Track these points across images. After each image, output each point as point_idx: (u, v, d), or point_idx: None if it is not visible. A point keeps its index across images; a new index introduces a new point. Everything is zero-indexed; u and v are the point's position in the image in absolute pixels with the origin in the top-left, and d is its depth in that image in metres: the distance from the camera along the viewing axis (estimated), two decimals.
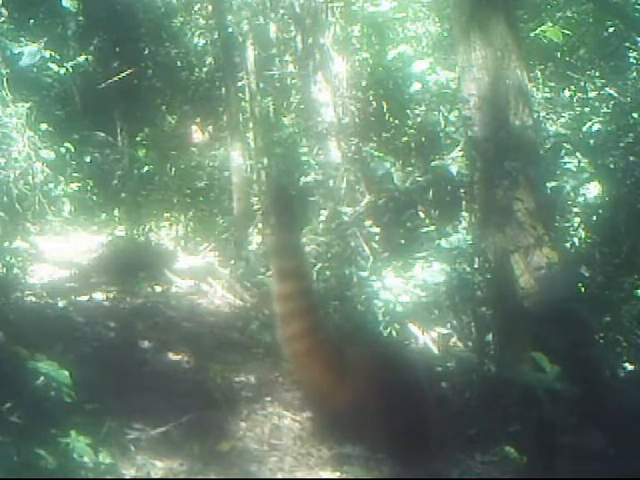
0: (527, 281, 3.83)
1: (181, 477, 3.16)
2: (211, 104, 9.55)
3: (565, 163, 5.06)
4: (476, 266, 4.48)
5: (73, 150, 7.34)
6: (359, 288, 5.12)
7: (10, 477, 2.51)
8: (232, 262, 7.03)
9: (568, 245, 4.68)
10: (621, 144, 4.97)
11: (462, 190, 5.14)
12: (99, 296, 5.61)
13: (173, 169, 9.38)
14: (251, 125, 8.35)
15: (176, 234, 8.85)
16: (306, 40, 6.73)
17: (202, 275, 6.47)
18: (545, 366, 2.94)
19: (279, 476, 3.29)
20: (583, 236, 4.90)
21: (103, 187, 9.14)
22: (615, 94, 5.73)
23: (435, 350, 4.77)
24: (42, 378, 2.93)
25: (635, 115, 5.28)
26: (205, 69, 9.87)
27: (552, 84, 6.55)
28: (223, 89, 8.28)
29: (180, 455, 3.30)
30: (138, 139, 9.58)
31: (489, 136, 3.99)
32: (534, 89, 5.81)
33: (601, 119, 5.49)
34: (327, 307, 5.19)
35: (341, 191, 6.09)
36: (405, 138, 6.55)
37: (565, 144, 5.15)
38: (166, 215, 9.20)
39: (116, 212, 9.09)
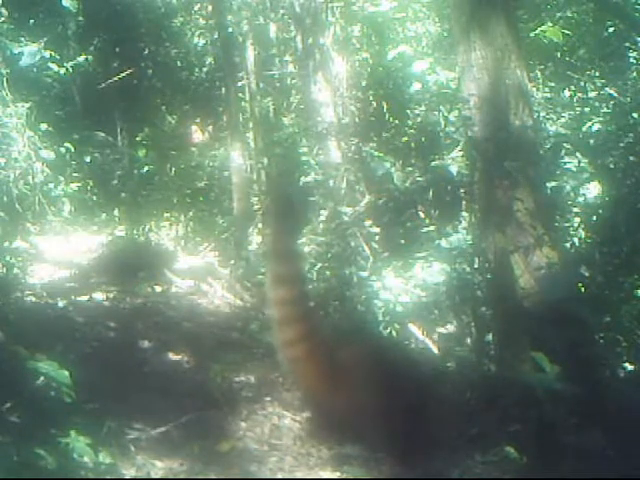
0: (527, 281, 3.83)
1: (181, 477, 3.16)
2: (211, 104, 9.55)
3: (565, 163, 5.07)
4: (476, 266, 4.48)
5: (73, 150, 7.34)
6: (359, 288, 5.12)
7: (10, 477, 2.51)
8: (232, 262, 7.03)
9: (568, 245, 4.68)
10: (621, 144, 4.97)
11: (462, 190, 5.14)
12: (99, 296, 5.61)
13: (173, 169, 9.38)
14: (251, 125, 8.35)
15: (176, 234, 8.84)
16: (306, 40, 6.73)
17: (202, 275, 6.47)
18: (545, 366, 2.94)
19: (279, 476, 3.29)
20: (583, 236, 4.90)
21: (103, 187, 9.14)
22: (615, 94, 5.73)
23: (435, 350, 4.77)
24: (42, 378, 2.93)
25: (635, 115, 5.29)
26: (205, 69, 9.86)
27: (552, 84, 6.55)
28: (223, 89, 8.28)
29: (180, 455, 3.30)
30: (138, 139, 9.57)
31: (489, 136, 3.99)
32: (534, 89, 5.81)
33: (601, 119, 5.49)
34: (327, 307, 5.19)
35: (341, 191, 6.09)
36: (405, 138, 6.55)
37: (565, 144, 5.15)
38: (166, 215, 9.19)
39: (116, 212, 9.09)
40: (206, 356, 4.55)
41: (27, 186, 5.82)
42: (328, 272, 5.56)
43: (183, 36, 9.73)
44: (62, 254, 6.62)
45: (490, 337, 4.26)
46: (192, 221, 9.09)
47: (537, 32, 6.17)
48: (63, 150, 6.91)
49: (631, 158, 4.85)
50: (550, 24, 6.26)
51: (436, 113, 5.99)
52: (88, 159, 8.95)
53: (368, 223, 5.71)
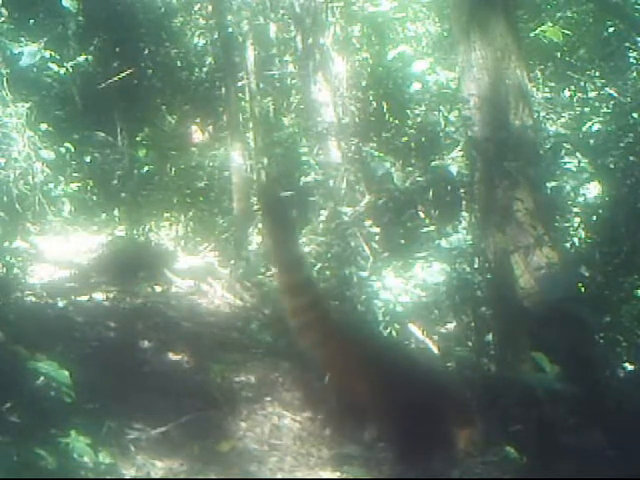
0: (527, 281, 3.83)
1: (181, 477, 3.16)
2: (211, 104, 9.55)
3: (565, 163, 5.06)
4: (476, 266, 4.48)
5: (73, 150, 7.33)
6: (359, 288, 5.12)
7: (10, 477, 2.51)
8: (232, 262, 7.03)
9: (568, 245, 4.68)
10: (621, 144, 4.97)
11: (462, 190, 5.14)
12: (99, 296, 5.61)
13: (173, 169, 9.38)
14: (251, 125, 8.35)
15: (176, 234, 8.84)
16: (306, 40, 6.73)
17: (202, 275, 6.47)
18: (545, 366, 2.94)
19: (279, 476, 3.29)
20: (583, 236, 4.90)
21: (103, 187, 9.14)
22: (615, 94, 5.73)
23: (435, 350, 4.77)
24: (42, 378, 2.93)
25: (635, 115, 5.28)
26: (205, 69, 9.86)
27: (552, 84, 6.54)
28: (223, 89, 8.27)
29: (180, 455, 3.30)
30: (138, 139, 9.57)
31: (489, 136, 3.99)
32: (534, 89, 5.81)
33: (601, 119, 5.49)
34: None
35: (341, 191, 6.09)
36: (405, 138, 6.55)
37: (565, 144, 5.15)
38: (166, 215, 9.19)
39: (116, 212, 9.08)
40: (206, 356, 4.55)
41: (27, 186, 5.81)
42: (328, 272, 5.56)
43: (183, 36, 9.72)
44: (62, 254, 6.62)
45: (490, 337, 4.26)
46: (192, 221, 9.08)
47: (537, 32, 6.17)
48: (63, 150, 6.90)
49: (631, 158, 4.84)
50: (550, 24, 6.25)
51: (436, 113, 5.99)
52: (88, 159, 8.95)
53: (368, 223, 5.71)
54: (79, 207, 7.76)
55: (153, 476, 3.12)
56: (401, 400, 3.25)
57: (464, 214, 5.03)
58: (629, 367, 4.51)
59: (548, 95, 6.25)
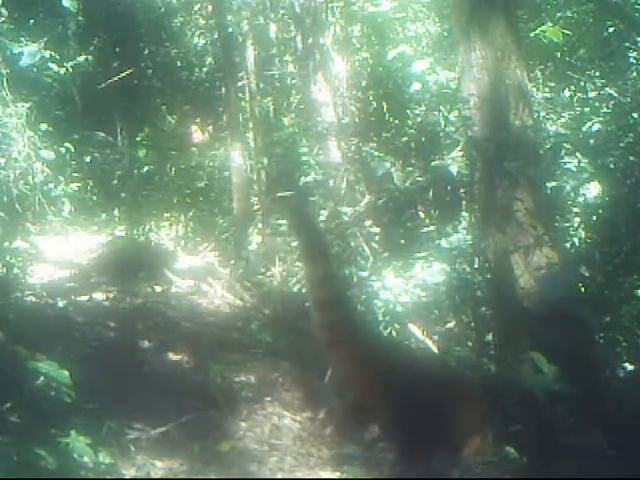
0: (527, 281, 3.83)
1: (181, 477, 3.16)
2: (211, 104, 9.55)
3: (565, 163, 5.06)
4: (476, 266, 4.48)
5: (73, 150, 7.32)
6: (359, 288, 5.12)
7: (10, 477, 2.51)
8: (232, 262, 7.03)
9: (568, 245, 4.68)
10: (621, 144, 4.97)
11: (462, 190, 5.13)
12: (99, 296, 5.61)
13: (173, 169, 9.38)
14: (251, 125, 8.34)
15: (176, 234, 8.84)
16: (306, 40, 6.73)
17: (202, 275, 6.47)
18: (543, 367, 2.94)
19: (279, 476, 3.29)
20: (583, 236, 4.89)
21: (103, 187, 9.14)
22: (615, 94, 5.73)
23: (435, 350, 4.76)
24: (42, 378, 2.93)
25: (635, 115, 5.28)
26: (205, 69, 9.86)
27: (552, 84, 6.54)
28: (223, 89, 8.27)
29: (180, 455, 3.31)
30: (138, 139, 9.57)
31: (489, 136, 3.99)
32: (534, 89, 5.81)
33: (601, 119, 5.48)
34: None
35: (341, 191, 6.08)
36: (405, 138, 6.54)
37: (565, 144, 5.15)
38: (166, 215, 9.19)
39: (116, 212, 9.09)
40: (206, 356, 4.55)
41: (27, 186, 5.81)
42: None
43: (183, 36, 9.72)
44: (62, 254, 6.63)
45: (490, 337, 4.26)
46: (192, 221, 9.09)
47: (537, 32, 6.17)
48: (63, 150, 6.89)
49: (631, 158, 4.84)
50: (550, 24, 6.25)
51: (436, 113, 5.98)
52: (88, 159, 8.95)
53: (368, 223, 5.70)
54: (79, 207, 7.76)
55: (153, 476, 3.12)
56: (401, 400, 3.25)
57: (464, 214, 5.03)
58: (629, 367, 4.51)
59: (548, 95, 6.25)
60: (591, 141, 5.24)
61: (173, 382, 4.12)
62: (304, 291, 5.74)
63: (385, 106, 7.01)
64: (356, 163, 6.35)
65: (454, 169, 5.24)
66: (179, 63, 9.84)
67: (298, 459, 3.46)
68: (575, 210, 5.02)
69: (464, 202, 5.08)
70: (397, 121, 6.86)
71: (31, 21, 8.16)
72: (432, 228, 5.27)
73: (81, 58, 8.23)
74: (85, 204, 8.46)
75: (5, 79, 5.74)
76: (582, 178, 5.00)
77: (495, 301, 4.16)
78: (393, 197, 5.74)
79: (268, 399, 4.11)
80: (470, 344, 4.58)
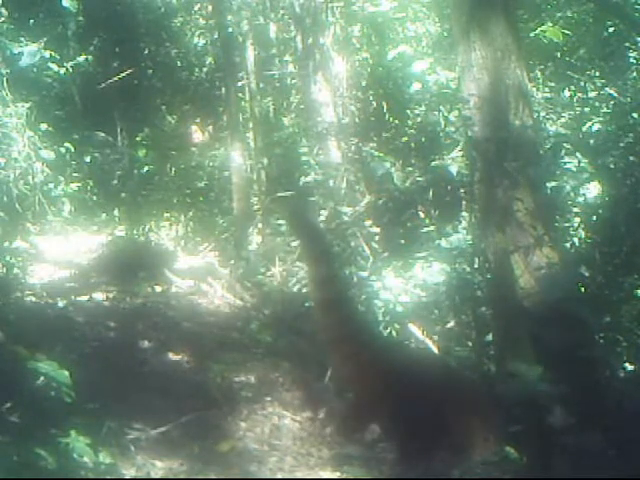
0: (527, 281, 3.83)
1: (181, 477, 3.16)
2: (211, 104, 9.55)
3: (565, 163, 5.06)
4: (476, 266, 4.48)
5: (73, 150, 7.34)
6: (359, 288, 5.12)
7: (10, 477, 2.51)
8: (232, 262, 7.02)
9: (568, 245, 4.68)
10: (621, 144, 4.97)
11: (462, 190, 5.13)
12: (99, 296, 5.60)
13: (173, 169, 9.38)
14: (251, 125, 8.34)
15: (176, 234, 8.84)
16: (306, 40, 6.73)
17: (202, 275, 6.46)
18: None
19: (279, 476, 3.29)
20: (583, 236, 4.89)
21: (103, 187, 9.14)
22: (615, 94, 5.73)
23: (435, 350, 4.76)
24: (42, 378, 2.93)
25: (635, 115, 5.28)
26: (205, 69, 9.86)
27: (552, 84, 6.55)
28: (223, 89, 8.27)
29: (180, 455, 3.30)
30: (138, 139, 9.57)
31: (489, 136, 3.99)
32: (534, 89, 5.81)
33: (601, 119, 5.49)
34: None
35: (341, 191, 6.09)
36: (405, 138, 6.55)
37: (565, 144, 5.15)
38: (166, 215, 9.19)
39: (116, 212, 9.08)
40: (206, 356, 4.55)
41: (27, 186, 5.81)
42: None
43: (183, 36, 9.72)
44: (62, 254, 6.62)
45: (490, 337, 4.26)
46: (192, 221, 9.08)
47: (537, 32, 6.17)
48: (63, 150, 6.90)
49: (631, 158, 4.85)
50: (550, 24, 6.25)
51: (436, 113, 5.98)
52: (88, 159, 8.95)
53: (368, 223, 5.70)
54: (79, 207, 7.76)
55: (153, 476, 3.12)
56: (401, 400, 3.25)
57: (464, 214, 5.03)
58: (629, 367, 4.50)
59: (548, 95, 6.25)
60: (591, 141, 5.24)
61: (173, 382, 4.12)
62: (304, 291, 5.74)
63: (385, 106, 7.01)
64: (356, 163, 6.35)
65: (454, 169, 5.23)
66: (179, 63, 9.84)
67: (298, 459, 3.46)
68: (575, 210, 5.02)
69: (464, 202, 5.08)
70: (397, 121, 6.86)
71: (31, 21, 8.16)
72: (432, 228, 5.27)
73: (81, 58, 8.25)
74: (85, 204, 8.46)
75: (5, 79, 5.74)
76: (582, 178, 5.00)
77: (495, 301, 4.16)
78: (393, 197, 5.74)
79: (268, 399, 4.11)
80: (470, 344, 4.58)
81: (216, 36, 8.50)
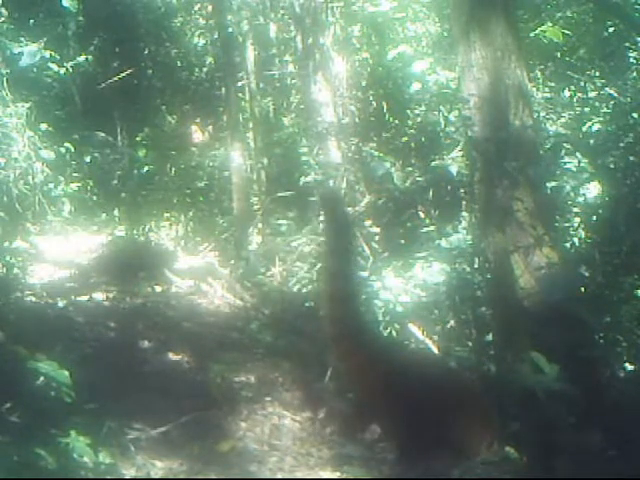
0: (527, 281, 3.83)
1: (181, 477, 3.16)
2: (211, 104, 9.55)
3: (565, 163, 5.05)
4: (476, 266, 4.48)
5: (73, 150, 7.34)
6: (359, 288, 5.11)
7: (10, 477, 2.51)
8: (232, 262, 7.03)
9: (568, 245, 4.67)
10: (621, 144, 4.96)
11: (462, 190, 5.13)
12: (99, 296, 5.61)
13: (173, 169, 9.38)
14: (251, 125, 8.35)
15: (176, 234, 8.84)
16: (306, 40, 6.73)
17: (202, 275, 6.46)
18: (543, 366, 2.93)
19: (279, 476, 3.29)
20: (583, 236, 4.89)
21: (103, 187, 9.14)
22: (615, 94, 5.72)
23: (435, 350, 4.77)
24: (42, 378, 2.93)
25: (635, 115, 5.27)
26: (205, 69, 9.86)
27: (552, 84, 6.54)
28: (223, 89, 8.27)
29: (180, 455, 3.30)
30: (138, 139, 9.57)
31: (489, 136, 3.99)
32: (534, 89, 5.81)
33: (601, 119, 5.48)
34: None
35: (341, 191, 6.09)
36: (405, 138, 6.55)
37: (565, 144, 5.14)
38: (166, 215, 9.19)
39: (116, 212, 9.09)
40: (206, 356, 4.55)
41: (27, 186, 5.81)
42: None
43: (183, 36, 9.72)
44: (62, 254, 6.62)
45: (490, 337, 4.26)
46: (192, 221, 9.08)
47: (537, 32, 6.17)
48: (63, 150, 6.90)
49: (631, 158, 4.83)
50: (550, 24, 6.25)
51: (436, 113, 5.98)
52: (88, 159, 8.95)
53: (368, 223, 5.71)
54: (79, 207, 7.76)
55: (153, 476, 3.12)
56: (401, 400, 3.25)
57: (464, 214, 5.03)
58: (629, 367, 4.50)
59: (548, 95, 6.25)
60: (591, 141, 5.23)
61: (173, 382, 4.12)
62: (304, 291, 5.75)
63: (385, 106, 7.01)
64: (356, 163, 6.35)
65: (454, 169, 5.24)
66: (179, 63, 9.84)
67: (298, 459, 3.46)
68: (575, 210, 5.01)
69: (464, 202, 5.08)
70: (397, 121, 6.85)
71: (31, 21, 8.16)
72: (432, 228, 5.27)
73: (81, 58, 8.25)
74: (85, 204, 8.47)
75: (5, 79, 5.74)
76: (582, 178, 4.99)
77: (495, 301, 4.16)
78: (393, 197, 5.75)
79: (268, 399, 4.10)
80: (470, 344, 4.58)
81: (216, 36, 8.50)
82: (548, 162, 4.65)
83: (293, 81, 8.47)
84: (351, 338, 3.36)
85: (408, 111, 6.54)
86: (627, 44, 6.55)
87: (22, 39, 6.22)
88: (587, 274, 4.42)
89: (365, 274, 5.16)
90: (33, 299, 5.21)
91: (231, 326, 5.39)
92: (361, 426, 3.61)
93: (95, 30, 9.22)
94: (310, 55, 6.70)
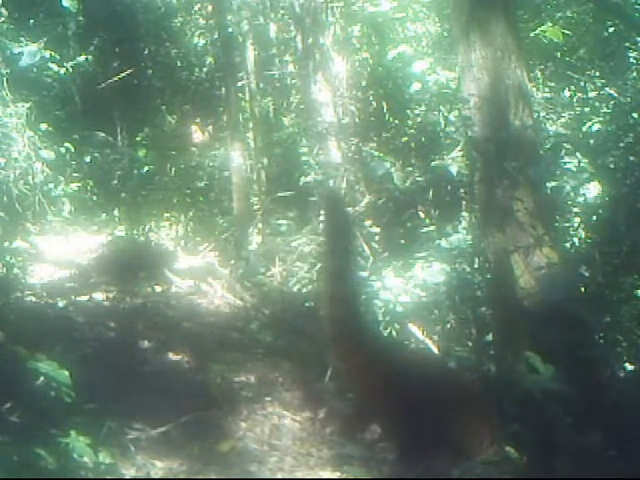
0: (527, 281, 3.83)
1: (181, 477, 3.16)
2: (211, 104, 9.55)
3: (565, 163, 5.05)
4: (476, 266, 4.48)
5: (73, 150, 7.35)
6: (359, 288, 5.11)
7: (10, 477, 2.51)
8: (232, 262, 7.03)
9: (568, 245, 4.67)
10: (621, 144, 4.96)
11: (462, 190, 5.13)
12: (99, 296, 5.60)
13: (173, 169, 9.38)
14: (251, 125, 8.35)
15: (176, 234, 8.84)
16: (306, 40, 6.73)
17: (202, 275, 6.46)
18: (539, 367, 2.94)
19: (279, 476, 3.29)
20: (583, 236, 4.89)
21: (103, 187, 9.14)
22: (615, 94, 5.72)
23: (435, 350, 4.77)
24: (42, 378, 2.93)
25: (635, 115, 5.27)
26: (205, 69, 9.87)
27: (552, 84, 6.54)
28: (223, 89, 8.28)
29: (180, 455, 3.30)
30: (138, 139, 9.57)
31: (489, 136, 3.99)
32: (534, 89, 5.81)
33: (601, 119, 5.48)
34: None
35: (341, 191, 6.09)
36: (405, 138, 6.55)
37: (565, 144, 5.14)
38: (166, 215, 9.19)
39: (116, 212, 9.09)
40: (206, 356, 4.55)
41: (27, 186, 5.82)
42: None
43: (183, 36, 9.73)
44: (62, 254, 6.62)
45: (490, 337, 4.26)
46: (192, 221, 9.09)
47: (537, 32, 6.17)
48: (63, 150, 6.91)
49: (631, 158, 4.83)
50: (550, 24, 6.25)
51: (436, 113, 5.99)
52: (88, 159, 8.95)
53: (368, 223, 5.71)
54: (79, 207, 7.77)
55: (153, 476, 3.12)
56: (401, 400, 3.25)
57: (464, 214, 5.03)
58: (629, 367, 4.50)
59: (548, 95, 6.25)
60: (591, 141, 5.23)
61: (173, 382, 4.12)
62: (304, 291, 5.75)
63: (385, 106, 7.01)
64: (356, 163, 6.35)
65: (454, 169, 5.24)
66: (179, 63, 9.84)
67: (298, 459, 3.46)
68: (575, 210, 5.01)
69: (464, 202, 5.08)
70: (397, 121, 6.86)
71: (31, 21, 8.17)
72: (432, 228, 5.27)
73: (81, 58, 8.25)
74: (85, 204, 8.47)
75: (5, 79, 5.75)
76: (582, 178, 4.99)
77: (495, 301, 4.16)
78: (393, 197, 5.75)
79: (268, 399, 4.10)
80: (470, 344, 4.58)
81: (216, 36, 8.50)
82: (548, 162, 4.65)
83: (293, 81, 8.47)
84: (351, 338, 3.36)
85: (408, 111, 6.54)
86: (627, 44, 6.56)
87: (22, 39, 6.22)
88: (587, 274, 4.43)
89: (365, 274, 5.16)
90: (33, 299, 5.21)
91: (231, 326, 5.39)
92: (361, 426, 3.61)
93: (95, 30, 9.22)
94: (310, 55, 6.70)
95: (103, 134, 9.32)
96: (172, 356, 4.57)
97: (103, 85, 8.87)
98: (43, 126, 6.18)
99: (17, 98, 5.83)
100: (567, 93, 6.34)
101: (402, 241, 5.68)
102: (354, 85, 7.07)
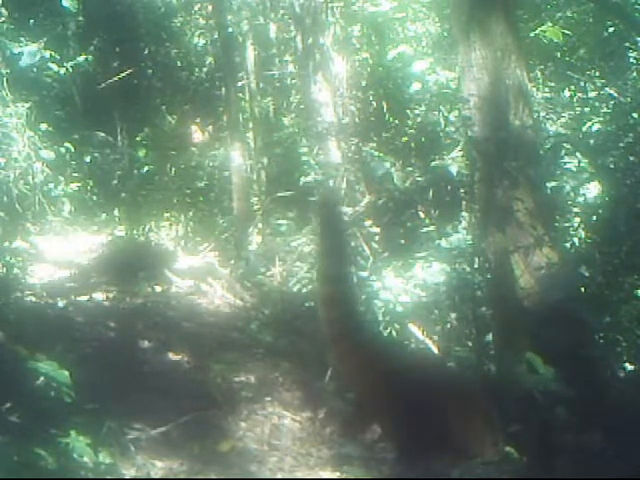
0: (527, 281, 3.83)
1: (181, 477, 3.16)
2: (211, 104, 9.56)
3: (565, 163, 5.06)
4: (476, 266, 4.48)
5: (73, 150, 7.35)
6: (359, 288, 5.12)
7: (10, 477, 2.51)
8: (232, 262, 7.03)
9: (568, 245, 4.68)
10: (621, 144, 4.96)
11: (462, 190, 5.13)
12: (99, 296, 5.60)
13: (173, 169, 9.38)
14: (251, 125, 8.35)
15: (176, 234, 8.84)
16: (306, 40, 6.73)
17: (202, 275, 6.46)
18: (539, 367, 2.94)
19: (279, 476, 3.29)
20: (583, 236, 4.89)
21: (103, 187, 9.14)
22: (615, 94, 5.73)
23: (435, 350, 4.77)
24: (42, 378, 2.93)
25: (635, 115, 5.28)
26: (205, 69, 9.87)
27: (552, 84, 6.54)
28: (223, 89, 8.28)
29: (180, 455, 3.30)
30: (138, 139, 9.57)
31: (489, 136, 3.99)
32: (534, 89, 5.81)
33: (601, 119, 5.49)
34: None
35: (341, 191, 6.09)
36: (405, 138, 6.55)
37: (565, 144, 5.15)
38: (166, 215, 9.19)
39: (116, 212, 9.09)
40: (206, 356, 4.55)
41: (27, 186, 5.82)
42: None
43: (183, 36, 9.73)
44: (62, 254, 6.62)
45: (490, 337, 4.26)
46: (192, 221, 9.09)
47: (537, 32, 6.17)
48: (63, 150, 6.92)
49: (631, 158, 4.84)
50: (550, 24, 6.25)
51: (436, 113, 5.99)
52: (88, 159, 8.95)
53: (368, 223, 5.71)
54: (79, 207, 7.77)
55: (153, 476, 3.12)
56: (401, 400, 3.25)
57: (464, 214, 5.03)
58: (629, 367, 4.50)
59: (548, 95, 6.25)
60: (591, 141, 5.24)
61: (173, 382, 4.12)
62: (304, 291, 5.75)
63: (385, 106, 7.01)
64: (356, 163, 6.35)
65: (454, 169, 5.24)
66: (179, 63, 9.84)
67: (298, 459, 3.46)
68: (575, 210, 5.02)
69: (464, 202, 5.08)
70: (397, 121, 6.86)
71: (31, 21, 8.17)
72: (432, 228, 5.27)
73: (81, 58, 8.26)
74: (85, 204, 8.47)
75: (5, 79, 5.75)
76: (582, 178, 5.00)
77: (495, 301, 4.16)
78: (393, 197, 5.75)
79: (268, 399, 4.11)
80: (470, 344, 4.58)
81: (216, 36, 8.50)
82: (548, 162, 4.66)
83: (293, 81, 8.47)
84: (351, 338, 3.36)
85: (408, 111, 6.54)
86: (627, 44, 6.56)
87: (22, 39, 6.23)
88: (587, 274, 4.43)
89: (365, 274, 5.16)
90: (33, 299, 5.21)
91: (231, 326, 5.39)
92: (361, 426, 3.61)
93: (95, 30, 9.23)
94: (310, 55, 6.70)
95: (103, 134, 9.32)
96: (172, 356, 4.57)
97: (103, 85, 8.87)
98: (43, 126, 6.19)
99: (17, 98, 5.83)
100: (567, 93, 6.35)
101: (402, 241, 5.68)
102: (354, 85, 7.07)
